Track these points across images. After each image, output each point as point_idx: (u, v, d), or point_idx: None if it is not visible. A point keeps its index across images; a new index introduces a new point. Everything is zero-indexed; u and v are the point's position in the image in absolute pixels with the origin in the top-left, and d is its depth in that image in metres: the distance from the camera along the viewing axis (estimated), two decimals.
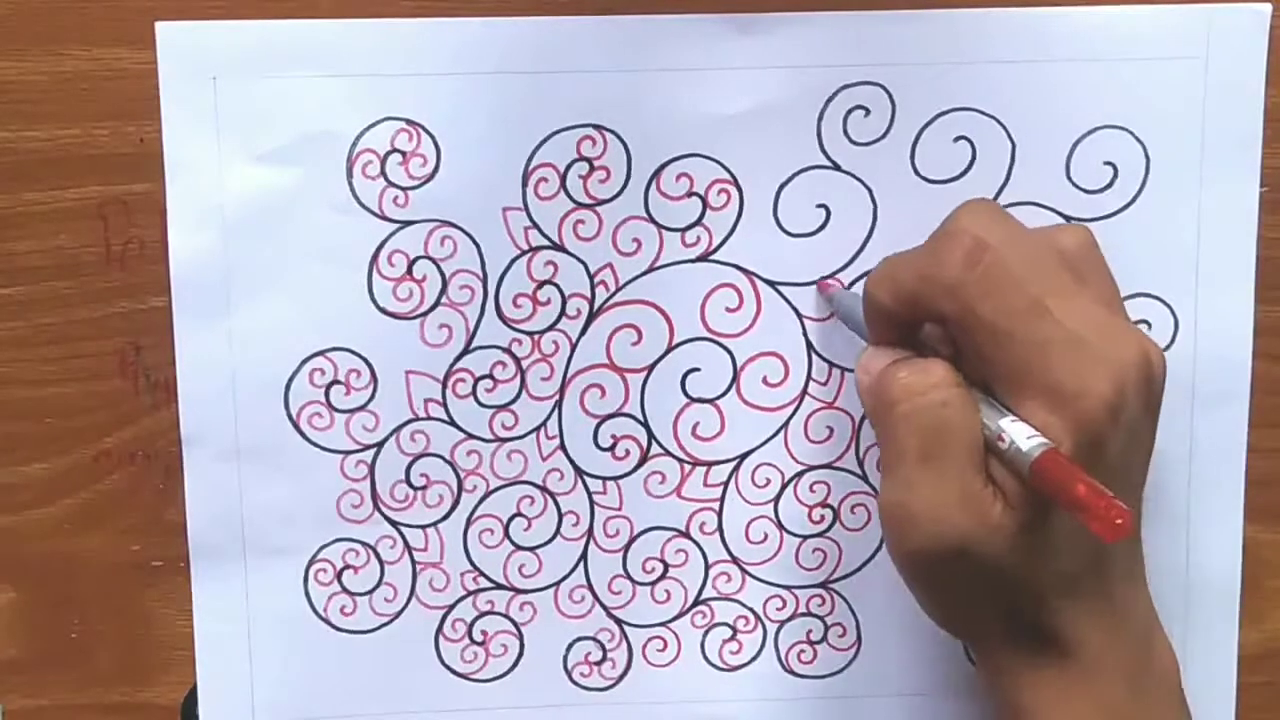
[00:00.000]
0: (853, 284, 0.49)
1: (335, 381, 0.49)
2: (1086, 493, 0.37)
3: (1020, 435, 0.40)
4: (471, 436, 0.49)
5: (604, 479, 0.50)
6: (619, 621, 0.51)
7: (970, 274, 0.41)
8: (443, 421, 0.49)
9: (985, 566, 0.41)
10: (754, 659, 0.51)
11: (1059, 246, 0.43)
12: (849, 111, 0.48)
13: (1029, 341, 0.40)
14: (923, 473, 0.41)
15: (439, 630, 0.51)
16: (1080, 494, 0.37)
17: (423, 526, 0.50)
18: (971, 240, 0.41)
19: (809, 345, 0.49)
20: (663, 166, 0.48)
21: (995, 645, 0.43)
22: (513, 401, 0.49)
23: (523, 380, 0.49)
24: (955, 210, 0.43)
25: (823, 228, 0.49)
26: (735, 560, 0.51)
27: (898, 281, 0.43)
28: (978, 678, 0.45)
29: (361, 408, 0.49)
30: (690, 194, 0.48)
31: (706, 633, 0.51)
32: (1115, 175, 0.49)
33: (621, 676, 0.51)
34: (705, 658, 0.51)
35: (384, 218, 0.48)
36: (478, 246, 0.48)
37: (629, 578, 0.51)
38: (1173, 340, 0.50)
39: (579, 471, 0.50)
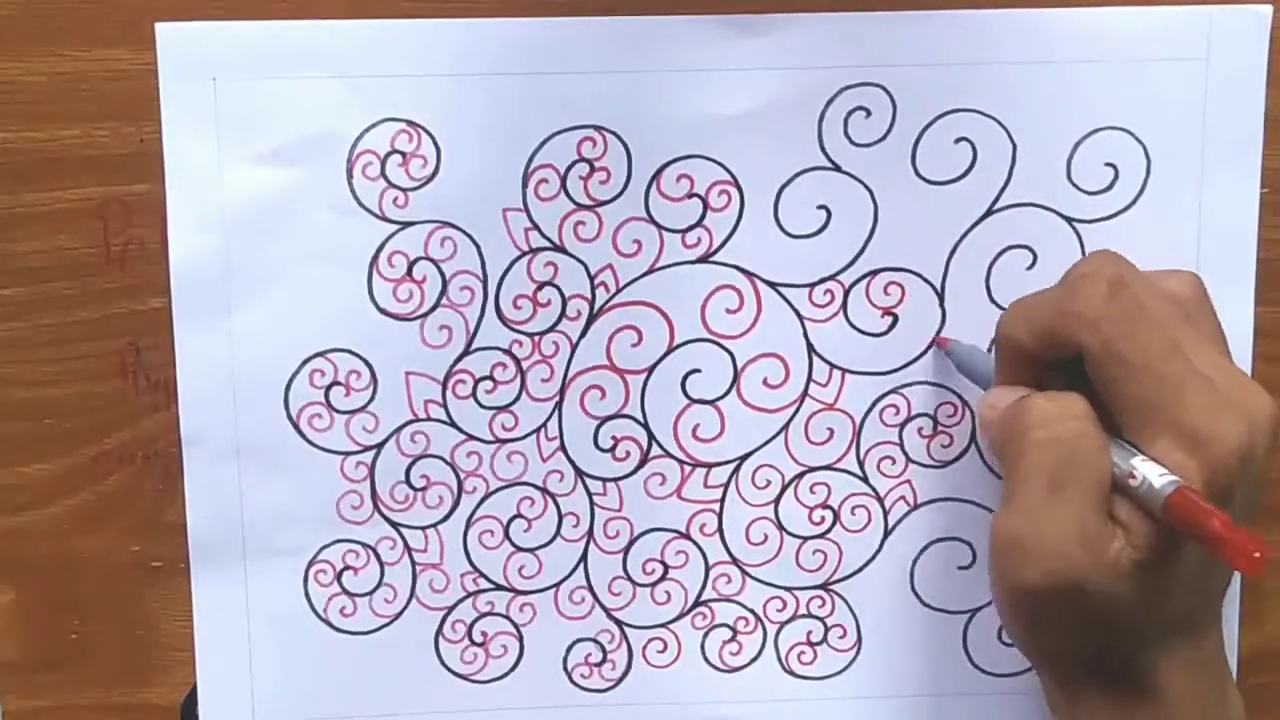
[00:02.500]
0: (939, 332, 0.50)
1: (335, 382, 0.49)
2: (1223, 527, 0.38)
3: (1153, 474, 0.40)
4: (471, 438, 0.49)
5: (604, 480, 0.50)
6: (619, 623, 0.51)
7: (1111, 309, 0.41)
8: (443, 423, 0.49)
9: (1095, 605, 0.41)
10: (754, 660, 0.51)
11: (1173, 291, 0.44)
12: (850, 112, 0.48)
13: (1166, 380, 0.41)
14: (1047, 503, 0.41)
15: (439, 631, 0.51)
16: (1217, 528, 0.38)
17: (423, 527, 0.50)
18: (1113, 275, 0.42)
19: (809, 347, 0.49)
20: (663, 167, 0.48)
21: (1080, 680, 0.43)
22: (513, 403, 0.49)
23: (523, 381, 0.49)
24: (1087, 256, 0.44)
25: (823, 229, 0.49)
26: (735, 561, 0.51)
27: (1035, 318, 0.43)
28: (1047, 706, 0.45)
29: (361, 409, 0.49)
30: (691, 195, 0.48)
31: (707, 634, 0.51)
32: (1116, 176, 0.49)
33: (622, 678, 0.51)
34: (705, 659, 0.51)
35: (384, 218, 0.48)
36: (478, 247, 0.48)
37: (629, 579, 0.51)
38: None
39: (579, 473, 0.50)
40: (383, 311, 0.49)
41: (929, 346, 0.49)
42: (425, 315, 0.49)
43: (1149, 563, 0.41)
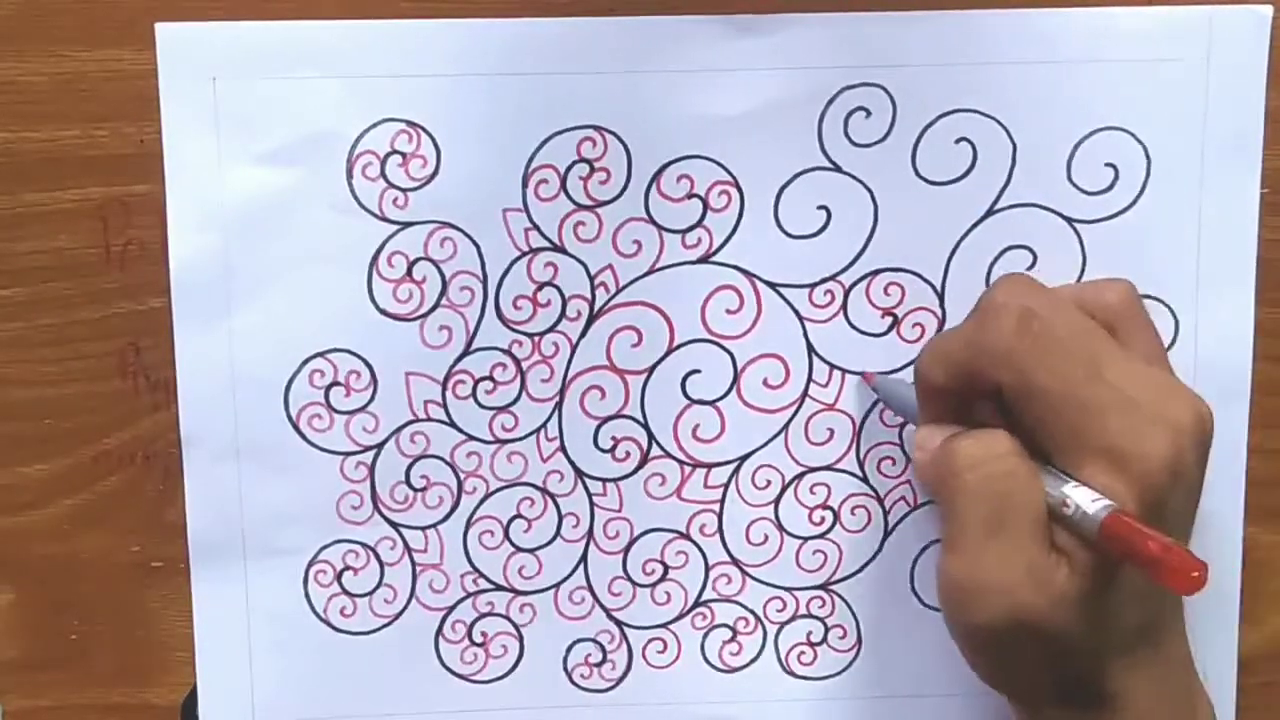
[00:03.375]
0: (897, 369, 0.50)
1: (335, 383, 0.49)
2: (1159, 549, 0.38)
3: (1085, 500, 0.40)
4: (471, 438, 0.49)
5: (604, 480, 0.50)
6: (619, 623, 0.51)
7: (1022, 342, 0.42)
8: (443, 423, 0.49)
9: (1049, 635, 0.41)
10: (754, 660, 0.51)
11: (1102, 303, 0.44)
12: (850, 113, 0.48)
13: (1086, 406, 0.41)
14: (989, 545, 0.41)
15: (439, 631, 0.51)
16: (1153, 550, 0.38)
17: (423, 528, 0.50)
18: (1019, 309, 0.42)
19: (810, 347, 0.49)
20: (663, 168, 0.48)
21: (1047, 705, 0.43)
22: (513, 403, 0.49)
23: (523, 382, 0.49)
24: (992, 285, 0.44)
25: (824, 229, 0.49)
26: (735, 562, 0.51)
27: (949, 357, 0.44)
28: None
29: (361, 409, 0.49)
30: (691, 195, 0.48)
31: (707, 634, 0.51)
32: (1116, 177, 0.49)
33: (622, 678, 0.51)
34: (705, 659, 0.51)
35: (384, 219, 0.48)
36: (478, 248, 0.48)
37: (629, 579, 0.51)
38: (1173, 342, 0.49)
39: (579, 473, 0.50)
40: (383, 312, 0.49)
41: None
42: (425, 315, 0.49)
43: (1092, 587, 0.41)
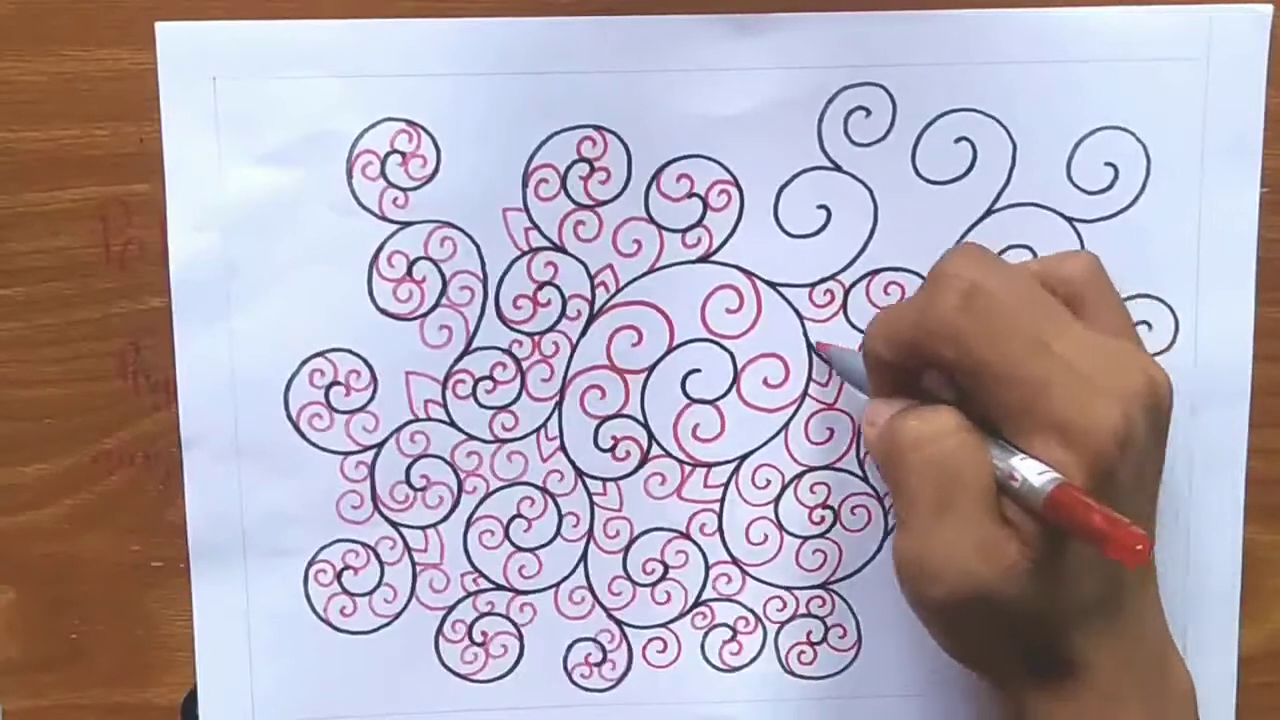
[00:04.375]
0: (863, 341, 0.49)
1: (335, 382, 0.49)
2: (1103, 522, 0.37)
3: (1032, 472, 0.40)
4: (471, 437, 0.49)
5: (604, 480, 0.50)
6: (619, 622, 0.51)
7: (966, 317, 0.41)
8: (443, 422, 0.49)
9: (1005, 608, 0.41)
10: (754, 660, 0.51)
11: (1062, 275, 0.44)
12: (850, 112, 0.48)
13: (1032, 380, 0.41)
14: (939, 522, 0.41)
15: (439, 631, 0.51)
16: (1097, 524, 0.38)
17: (423, 527, 0.50)
18: (965, 283, 0.42)
19: (809, 346, 0.49)
20: (663, 167, 0.48)
21: (1017, 679, 0.43)
22: (513, 402, 0.49)
23: (523, 381, 0.49)
24: (943, 256, 0.44)
25: (824, 229, 0.49)
26: (735, 561, 0.51)
27: (894, 332, 0.43)
28: (1001, 712, 0.46)
29: (361, 409, 0.49)
30: (691, 195, 0.48)
31: (707, 634, 0.51)
32: (1116, 176, 0.49)
33: (622, 677, 0.51)
34: (705, 658, 0.51)
35: (384, 218, 0.48)
36: (478, 247, 0.48)
37: (629, 579, 0.51)
38: (1173, 341, 0.50)
39: (579, 472, 0.50)
40: (383, 311, 0.49)
41: None
42: (425, 315, 0.49)
43: (1044, 559, 0.41)
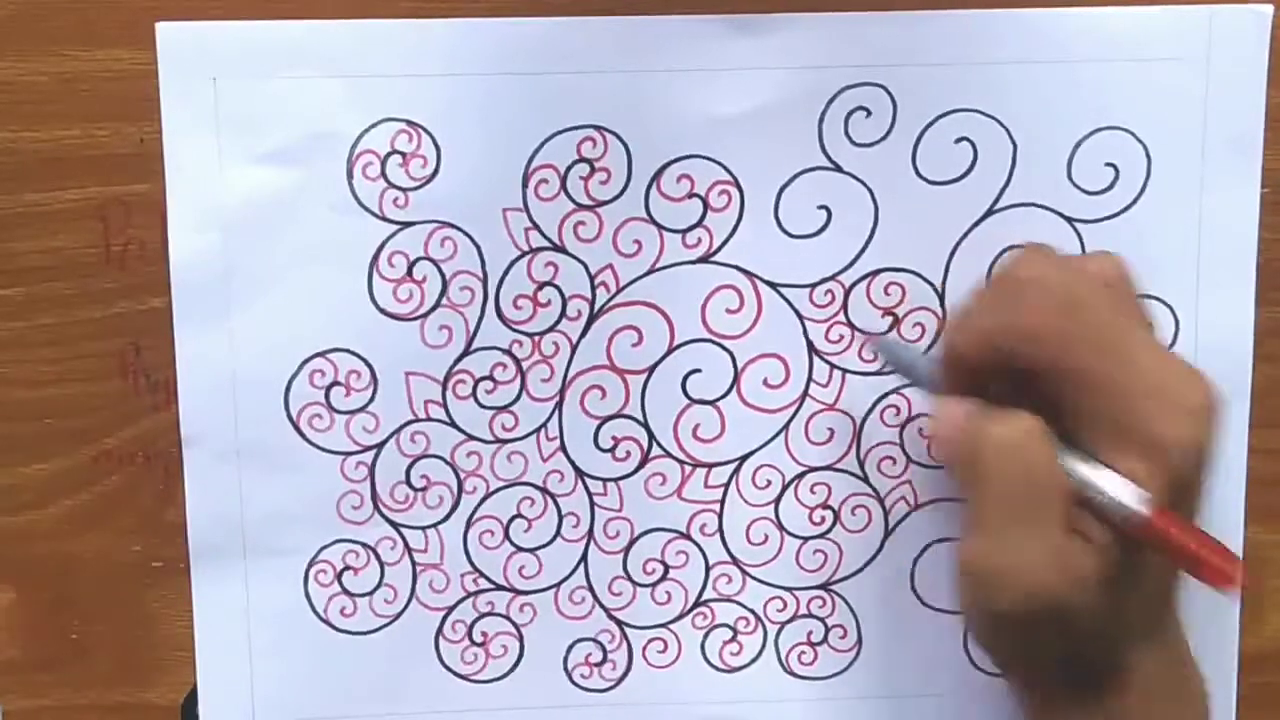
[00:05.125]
0: (890, 328, 0.49)
1: (335, 382, 0.49)
2: (1201, 548, 0.38)
3: (1114, 486, 0.40)
4: (472, 438, 0.49)
5: (604, 480, 0.50)
6: (619, 623, 0.51)
7: (1064, 323, 0.41)
8: (443, 423, 0.49)
9: (1070, 619, 0.41)
10: (754, 660, 0.51)
11: (1107, 277, 0.43)
12: (850, 112, 0.48)
13: (1120, 393, 0.41)
14: (1013, 530, 0.41)
15: (439, 631, 0.51)
16: (1195, 549, 0.38)
17: (423, 528, 0.50)
18: (1060, 290, 0.41)
19: (810, 347, 0.49)
20: (663, 168, 0.48)
21: (1052, 684, 0.44)
22: (513, 403, 0.49)
23: (523, 381, 0.49)
24: (1016, 258, 0.43)
25: (824, 229, 0.49)
26: (736, 562, 0.51)
27: (981, 331, 0.43)
28: (1021, 711, 0.46)
29: (361, 409, 0.49)
30: (691, 195, 0.48)
31: (707, 634, 0.51)
32: (1116, 176, 0.49)
33: (622, 678, 0.51)
34: (706, 659, 0.51)
35: (384, 219, 0.48)
36: (478, 247, 0.48)
37: (629, 579, 0.51)
38: (1173, 341, 0.50)
39: (579, 473, 0.50)
40: (383, 311, 0.48)
41: (930, 347, 0.49)
42: (425, 315, 0.49)
43: (1112, 570, 0.41)
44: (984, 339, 0.43)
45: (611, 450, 0.50)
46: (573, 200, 0.48)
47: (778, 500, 0.50)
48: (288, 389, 0.49)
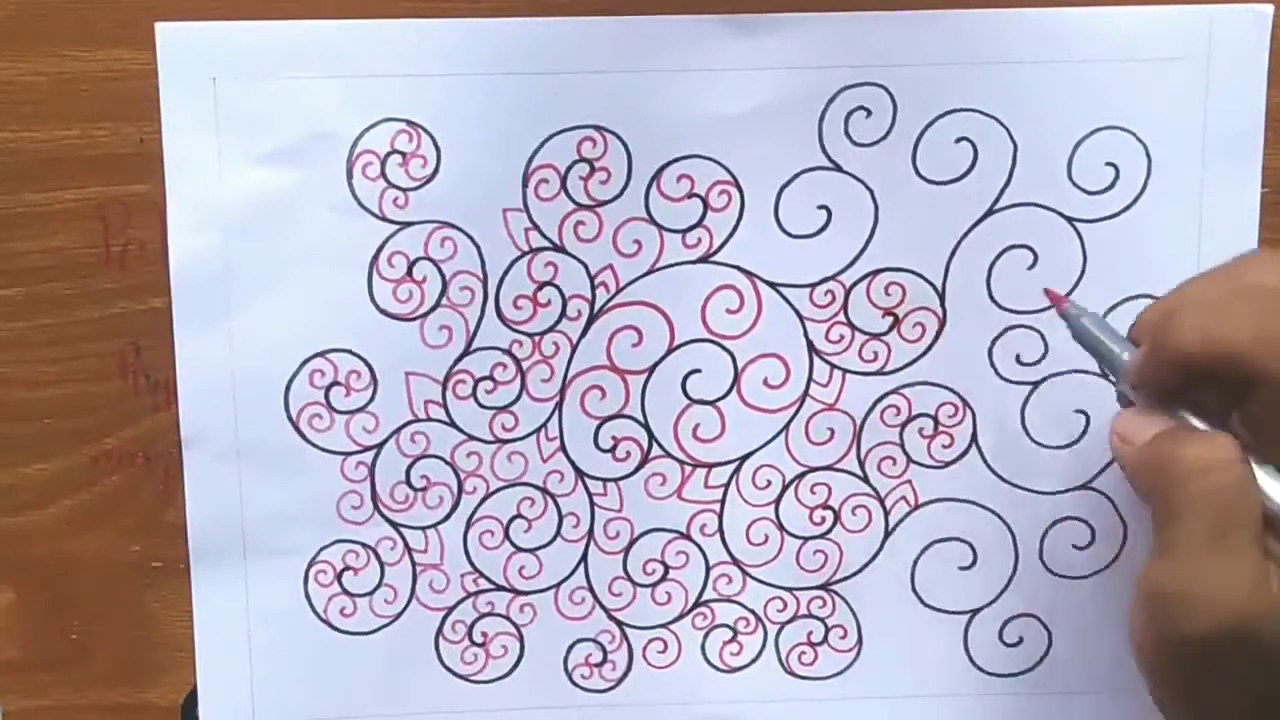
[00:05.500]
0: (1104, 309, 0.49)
1: (335, 383, 0.49)
2: None
3: None
4: (472, 438, 0.49)
5: (604, 480, 0.50)
6: (619, 623, 0.51)
7: None
8: (443, 423, 0.49)
9: (1258, 650, 0.39)
10: (754, 660, 0.51)
11: None
12: (850, 112, 0.48)
13: None
14: (1210, 555, 0.39)
15: (439, 631, 0.51)
16: None
17: (423, 528, 0.50)
18: None
19: (810, 347, 0.49)
20: (663, 167, 0.48)
21: None
22: (513, 403, 0.49)
23: (523, 381, 0.49)
24: (1263, 259, 0.42)
25: (824, 229, 0.49)
26: (736, 562, 0.51)
27: (1219, 335, 0.40)
28: None
29: (361, 409, 0.49)
30: (691, 195, 0.48)
31: (707, 634, 0.51)
32: (1117, 176, 0.49)
33: (622, 678, 0.51)
34: (706, 659, 0.51)
35: (384, 219, 0.48)
36: (478, 247, 0.48)
37: (629, 579, 0.51)
38: None
39: (579, 473, 0.50)
40: (383, 311, 0.48)
41: (930, 346, 0.49)
42: (425, 315, 0.49)
43: None
44: (1222, 342, 0.40)
45: (611, 450, 0.50)
46: (573, 200, 0.48)
47: (778, 500, 0.50)
48: (287, 389, 0.49)
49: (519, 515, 0.50)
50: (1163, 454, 0.40)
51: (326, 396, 0.49)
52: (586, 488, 0.50)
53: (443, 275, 0.48)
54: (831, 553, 0.51)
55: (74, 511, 0.50)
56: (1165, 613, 0.40)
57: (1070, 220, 0.49)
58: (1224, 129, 0.49)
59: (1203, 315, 0.41)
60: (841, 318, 0.49)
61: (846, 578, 0.51)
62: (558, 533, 0.50)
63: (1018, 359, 0.50)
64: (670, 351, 0.49)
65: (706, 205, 0.48)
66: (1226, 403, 0.41)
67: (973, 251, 0.49)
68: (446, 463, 0.50)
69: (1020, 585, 0.51)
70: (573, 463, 0.50)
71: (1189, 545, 0.39)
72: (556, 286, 0.49)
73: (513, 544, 0.50)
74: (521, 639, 0.51)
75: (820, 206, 0.49)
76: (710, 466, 0.50)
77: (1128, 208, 0.49)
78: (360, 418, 0.49)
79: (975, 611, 0.51)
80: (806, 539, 0.51)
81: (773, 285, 0.49)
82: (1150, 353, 0.42)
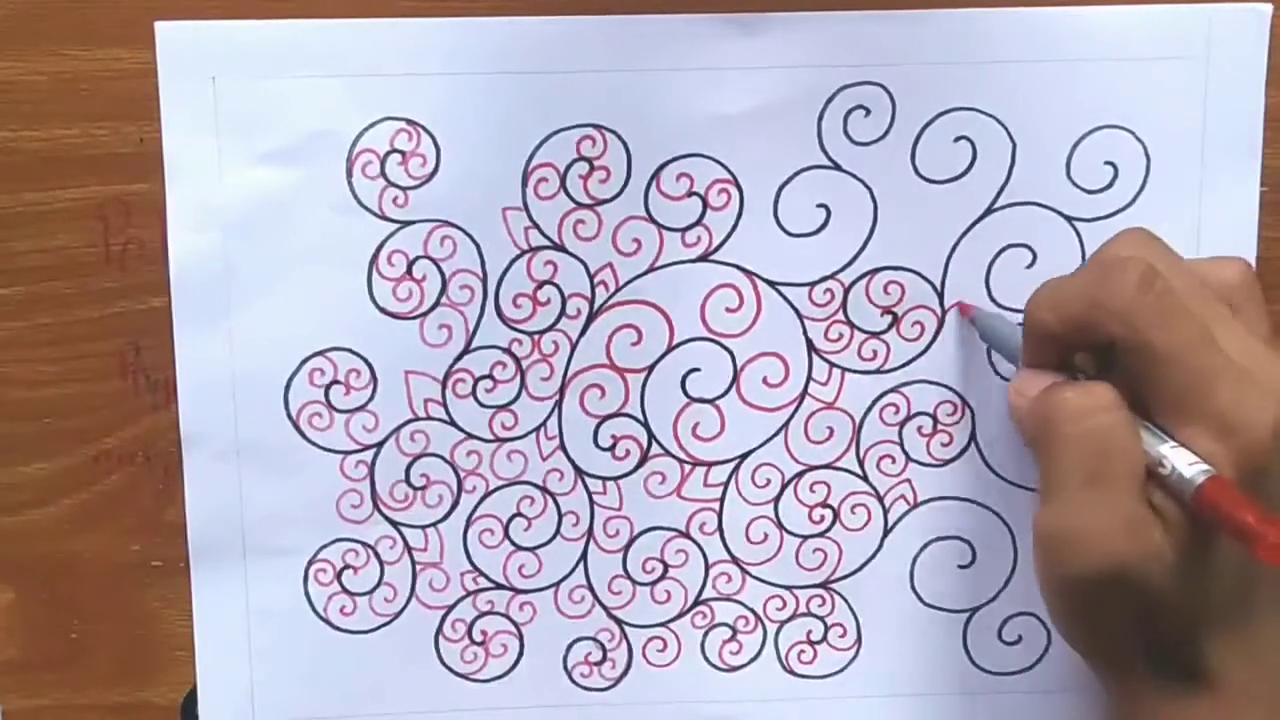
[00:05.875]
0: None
1: (335, 381, 0.49)
2: (1256, 520, 0.37)
3: (1183, 462, 0.40)
4: (471, 436, 0.49)
5: (604, 479, 0.50)
6: (619, 621, 0.51)
7: (1143, 299, 0.41)
8: (442, 421, 0.49)
9: (1140, 593, 0.41)
10: (754, 659, 0.51)
11: (1221, 278, 0.44)
12: (849, 111, 0.48)
13: (1196, 369, 0.41)
14: (1087, 497, 0.41)
15: (439, 630, 0.51)
16: (1248, 521, 0.38)
17: (422, 526, 0.50)
18: (1144, 265, 0.41)
19: (809, 345, 0.49)
20: (663, 166, 0.48)
21: (1137, 676, 0.43)
22: (513, 401, 0.49)
23: (523, 380, 0.49)
24: (1117, 237, 0.44)
25: (823, 228, 0.49)
26: (735, 560, 0.51)
27: (1065, 305, 0.43)
28: (1108, 708, 0.45)
29: (361, 408, 0.49)
30: (690, 194, 0.48)
31: (706, 633, 0.51)
32: (1116, 175, 0.49)
33: (621, 677, 0.51)
34: (705, 658, 0.51)
35: (384, 218, 0.48)
36: (478, 246, 0.48)
37: (629, 578, 0.51)
38: None
39: (579, 471, 0.50)
40: (382, 310, 0.49)
41: (929, 345, 0.49)
42: (425, 314, 0.49)
43: (1185, 550, 0.41)
44: (1064, 311, 0.43)
45: (611, 449, 0.50)
46: (572, 199, 0.48)
47: (777, 499, 0.50)
48: (287, 388, 0.49)
49: (519, 514, 0.50)
50: (1045, 402, 0.42)
51: (326, 395, 0.49)
52: (586, 486, 0.50)
53: (442, 274, 0.48)
54: (831, 551, 0.51)
55: (74, 511, 0.50)
56: (1048, 553, 0.42)
57: (1069, 219, 0.49)
58: (1223, 129, 0.49)
59: (1053, 292, 0.44)
60: (841, 316, 0.49)
61: (846, 576, 0.51)
62: (557, 531, 0.50)
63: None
64: (670, 350, 0.49)
65: (706, 204, 0.48)
66: (1102, 373, 0.43)
67: (972, 250, 0.49)
68: (446, 461, 0.50)
69: (1019, 583, 0.51)
70: (572, 461, 0.50)
71: (1067, 486, 0.41)
72: (556, 285, 0.49)
73: (512, 543, 0.50)
74: (521, 637, 0.51)
75: (819, 205, 0.49)
76: (709, 465, 0.50)
77: (1127, 207, 0.49)
78: (360, 417, 0.49)
79: (974, 610, 0.51)
80: (806, 537, 0.51)
81: (772, 284, 0.49)
82: (1026, 338, 0.45)
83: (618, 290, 0.49)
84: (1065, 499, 0.41)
